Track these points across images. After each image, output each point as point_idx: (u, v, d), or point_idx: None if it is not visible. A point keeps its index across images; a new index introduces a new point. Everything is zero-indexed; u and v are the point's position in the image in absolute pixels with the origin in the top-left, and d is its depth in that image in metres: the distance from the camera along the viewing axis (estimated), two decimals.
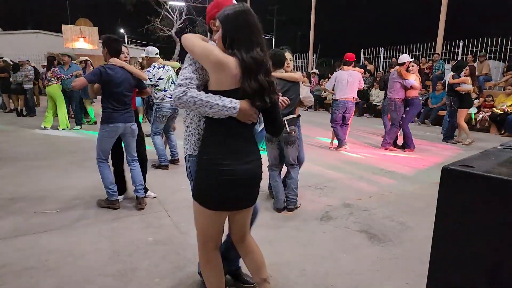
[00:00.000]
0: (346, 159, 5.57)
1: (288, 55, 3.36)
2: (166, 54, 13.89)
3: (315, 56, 17.68)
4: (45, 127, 7.64)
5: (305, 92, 3.32)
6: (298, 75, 3.33)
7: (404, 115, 6.09)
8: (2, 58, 10.89)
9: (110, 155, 3.38)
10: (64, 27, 16.72)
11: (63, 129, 7.59)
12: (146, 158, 3.74)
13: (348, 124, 6.09)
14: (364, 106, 11.73)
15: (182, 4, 22.33)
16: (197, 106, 1.49)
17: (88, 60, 8.03)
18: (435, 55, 11.21)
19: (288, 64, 3.35)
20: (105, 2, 24.84)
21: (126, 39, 29.16)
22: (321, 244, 2.73)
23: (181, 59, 13.75)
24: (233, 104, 1.49)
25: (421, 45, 12.33)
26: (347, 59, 5.94)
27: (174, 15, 23.47)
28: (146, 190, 3.54)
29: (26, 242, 2.67)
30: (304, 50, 17.50)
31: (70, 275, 2.25)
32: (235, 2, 1.81)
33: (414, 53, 12.47)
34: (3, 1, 31.24)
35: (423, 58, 11.77)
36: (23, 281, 2.18)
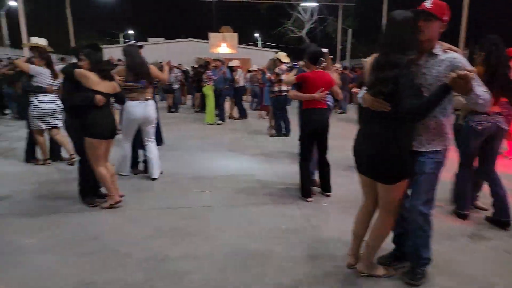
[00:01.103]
0: (504, 170, 4.61)
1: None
2: (296, 54, 14.00)
3: (467, 51, 14.95)
4: (209, 123, 8.85)
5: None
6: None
7: None
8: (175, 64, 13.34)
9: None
10: (210, 34, 19.08)
11: (209, 123, 8.80)
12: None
13: None
14: None
15: (315, 4, 22.52)
16: None
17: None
18: None
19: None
20: (243, 9, 27.46)
21: (260, 42, 31.45)
22: (471, 265, 2.40)
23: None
24: (360, 95, 2.14)
25: None
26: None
27: (306, 15, 23.96)
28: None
29: (183, 213, 3.28)
30: (452, 44, 15.08)
31: (219, 244, 2.67)
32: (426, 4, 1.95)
33: None
34: (164, 17, 38.68)
35: None
36: (184, 244, 2.69)
